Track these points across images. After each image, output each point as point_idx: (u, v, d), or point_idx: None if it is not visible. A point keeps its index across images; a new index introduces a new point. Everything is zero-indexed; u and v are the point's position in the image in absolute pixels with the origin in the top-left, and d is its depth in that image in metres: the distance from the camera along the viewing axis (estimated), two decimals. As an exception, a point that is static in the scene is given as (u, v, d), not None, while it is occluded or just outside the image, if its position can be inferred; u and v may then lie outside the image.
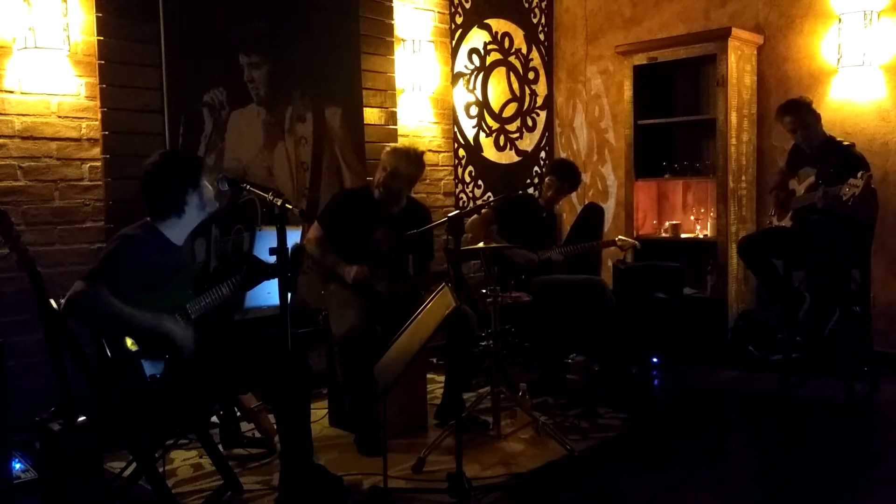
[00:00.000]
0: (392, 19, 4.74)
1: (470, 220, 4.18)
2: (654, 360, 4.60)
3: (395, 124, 4.79)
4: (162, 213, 2.60)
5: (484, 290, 3.23)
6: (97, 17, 3.49)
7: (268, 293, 2.57)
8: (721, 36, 4.69)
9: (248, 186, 2.54)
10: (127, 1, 3.58)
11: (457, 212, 3.33)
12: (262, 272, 2.54)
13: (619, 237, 4.64)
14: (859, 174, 3.66)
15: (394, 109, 4.78)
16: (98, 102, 3.52)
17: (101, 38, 3.50)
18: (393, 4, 4.75)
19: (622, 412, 3.85)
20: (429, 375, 4.15)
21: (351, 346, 3.27)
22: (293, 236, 2.59)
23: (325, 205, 3.95)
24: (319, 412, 3.70)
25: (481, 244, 3.42)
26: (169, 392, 2.42)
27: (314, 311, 3.84)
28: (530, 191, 5.70)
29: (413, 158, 3.62)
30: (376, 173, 3.71)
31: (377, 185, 3.64)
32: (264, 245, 2.26)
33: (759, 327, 4.74)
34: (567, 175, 4.40)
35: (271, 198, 2.36)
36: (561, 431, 3.43)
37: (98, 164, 3.54)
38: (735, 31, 4.68)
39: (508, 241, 4.06)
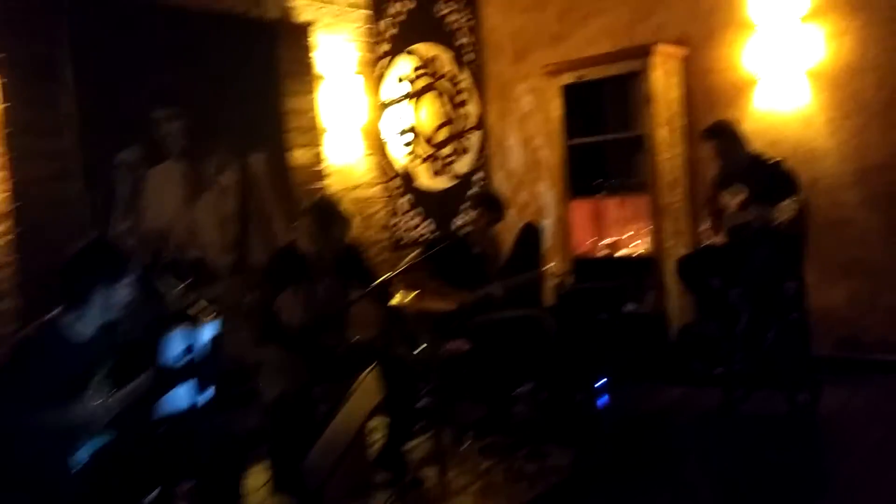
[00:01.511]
0: (311, 56, 4.62)
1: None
2: (601, 383, 4.61)
3: (322, 164, 4.68)
4: (68, 301, 2.47)
5: (415, 352, 3.14)
6: (2, 83, 3.32)
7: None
8: (645, 52, 4.68)
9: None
10: (32, 64, 3.41)
11: (383, 277, 3.26)
12: (169, 382, 2.42)
13: (548, 267, 4.58)
14: (793, 198, 3.70)
15: (319, 149, 4.67)
16: (6, 173, 3.35)
17: (7, 104, 3.33)
18: (312, 41, 4.63)
19: (570, 446, 3.81)
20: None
21: (282, 412, 3.17)
22: (210, 329, 2.47)
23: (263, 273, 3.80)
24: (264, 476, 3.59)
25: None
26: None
27: (250, 367, 3.72)
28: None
29: (327, 220, 3.54)
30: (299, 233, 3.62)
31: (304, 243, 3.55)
32: (176, 344, 2.14)
33: (701, 340, 4.75)
34: (495, 205, 4.37)
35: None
36: (510, 478, 3.38)
37: (10, 237, 3.36)
38: (659, 47, 4.67)
39: (448, 282, 3.97)
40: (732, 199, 4.21)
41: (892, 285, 4.40)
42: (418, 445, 3.67)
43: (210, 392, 2.40)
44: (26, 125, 3.39)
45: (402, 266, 3.77)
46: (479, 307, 4.12)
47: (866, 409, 4.04)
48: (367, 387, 2.24)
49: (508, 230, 5.86)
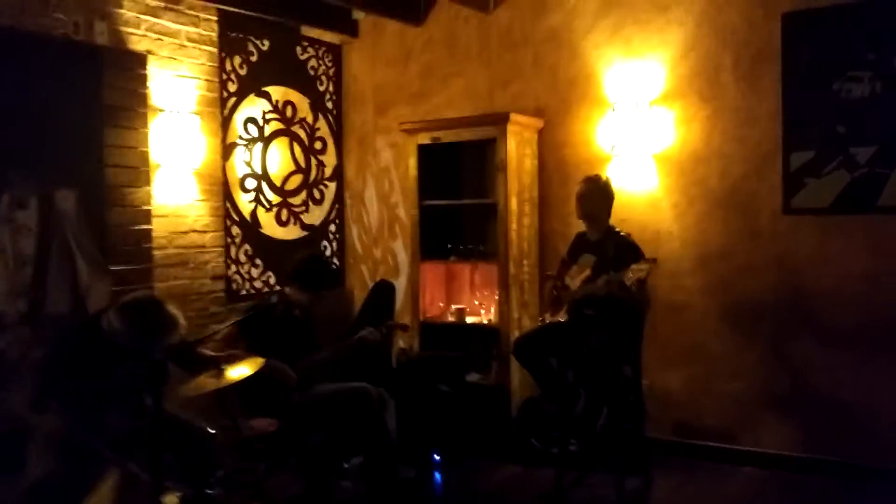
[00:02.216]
0: (146, 88, 4.24)
1: (211, 345, 3.65)
2: (436, 457, 4.38)
3: (150, 205, 4.28)
4: None
5: (212, 431, 2.79)
6: None
7: None
8: (500, 120, 4.58)
9: None
10: None
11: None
12: None
13: (384, 322, 4.29)
14: (642, 261, 3.70)
15: (148, 188, 4.27)
16: None
17: None
18: (147, 72, 4.26)
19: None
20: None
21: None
22: None
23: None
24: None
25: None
26: None
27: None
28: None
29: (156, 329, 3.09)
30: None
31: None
32: None
33: (541, 416, 4.62)
34: (312, 279, 3.88)
35: None
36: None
37: None
38: (513, 116, 4.58)
39: (263, 355, 3.61)
40: (580, 272, 4.13)
41: (727, 372, 4.41)
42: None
43: None
44: None
45: (218, 333, 3.43)
46: (305, 382, 3.78)
47: (695, 498, 3.99)
48: (101, 495, 1.90)
49: (362, 287, 5.65)
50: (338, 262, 5.73)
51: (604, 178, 4.20)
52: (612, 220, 4.20)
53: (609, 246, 4.01)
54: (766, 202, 4.26)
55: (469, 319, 5.01)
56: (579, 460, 4.18)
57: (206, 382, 2.89)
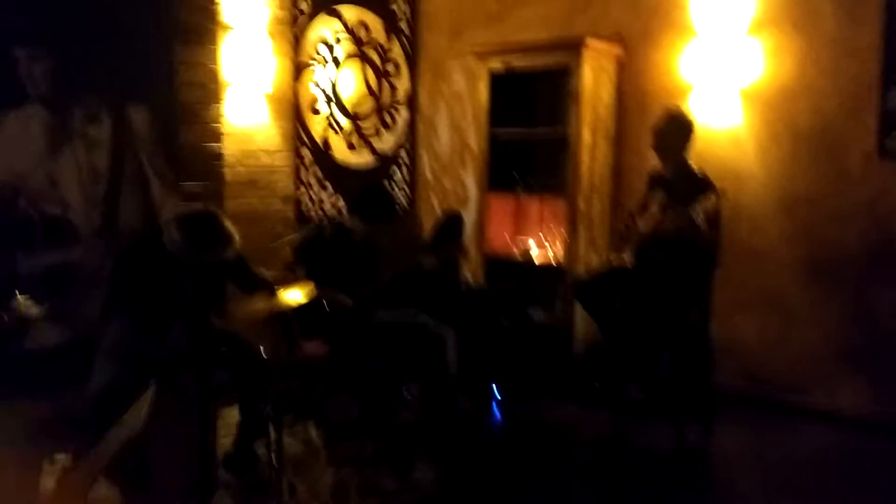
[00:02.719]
0: (217, 4, 4.21)
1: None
2: (495, 391, 4.37)
3: (219, 123, 4.30)
4: None
5: (262, 350, 2.83)
6: None
7: None
8: (574, 46, 4.33)
9: None
10: None
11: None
12: None
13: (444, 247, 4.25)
14: (709, 195, 3.55)
15: (218, 107, 4.28)
16: None
17: None
18: (219, -12, 4.23)
19: (440, 462, 3.56)
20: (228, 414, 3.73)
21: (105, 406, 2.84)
22: None
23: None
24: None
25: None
26: None
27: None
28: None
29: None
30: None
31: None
32: None
33: (605, 360, 4.52)
34: (368, 212, 3.85)
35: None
36: (360, 493, 3.11)
37: None
38: (590, 42, 4.33)
39: (320, 283, 3.62)
40: (650, 210, 3.96)
41: (804, 323, 4.19)
42: (281, 445, 3.38)
43: None
44: None
45: (275, 245, 3.45)
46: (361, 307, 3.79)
47: (760, 452, 3.86)
48: (136, 415, 1.94)
49: (431, 215, 5.61)
50: (406, 191, 5.68)
51: (682, 112, 3.96)
52: (692, 158, 3.98)
53: (682, 183, 3.81)
54: (859, 143, 3.95)
55: (535, 256, 4.90)
56: (640, 405, 4.09)
57: (259, 303, 2.91)
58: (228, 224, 2.92)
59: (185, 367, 2.78)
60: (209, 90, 4.24)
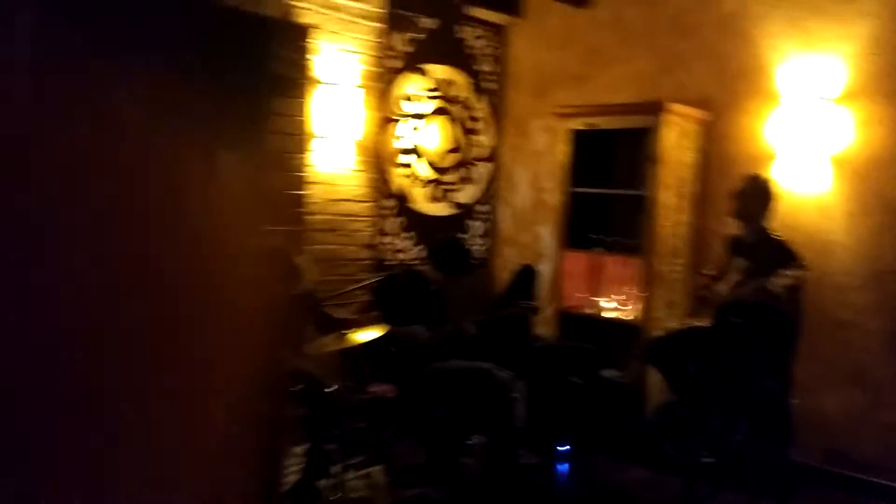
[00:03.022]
0: (309, 59, 4.42)
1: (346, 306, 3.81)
2: (561, 448, 4.31)
3: (306, 170, 4.48)
4: None
5: (327, 389, 2.90)
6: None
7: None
8: (658, 109, 4.37)
9: None
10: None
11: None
12: None
13: (520, 302, 4.30)
14: (791, 265, 3.50)
15: (304, 155, 4.47)
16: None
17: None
18: (313, 44, 4.44)
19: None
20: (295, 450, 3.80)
21: None
22: None
23: None
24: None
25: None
26: None
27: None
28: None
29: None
30: None
31: None
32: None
33: (677, 424, 4.41)
34: (446, 263, 4.00)
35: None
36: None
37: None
38: (671, 106, 4.36)
39: (394, 324, 3.71)
40: (731, 275, 3.90)
41: (892, 401, 3.99)
42: (349, 483, 3.42)
43: None
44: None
45: (348, 290, 3.55)
46: (440, 348, 3.85)
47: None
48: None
49: (507, 269, 5.65)
50: (484, 244, 5.75)
51: (764, 177, 3.91)
52: (775, 225, 3.91)
53: (763, 249, 3.74)
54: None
55: (610, 314, 4.86)
56: (712, 474, 3.96)
57: (331, 341, 3.00)
58: (301, 260, 3.05)
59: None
60: (297, 140, 4.44)
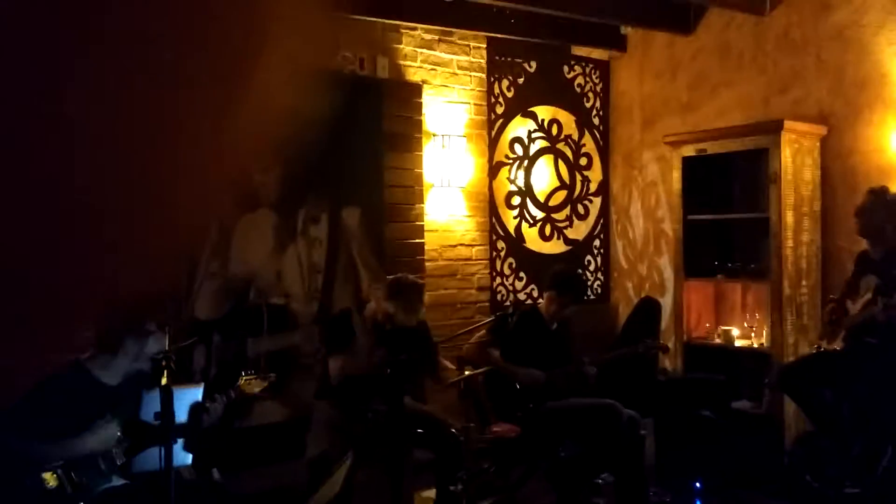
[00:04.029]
0: (421, 115, 4.64)
1: (466, 346, 3.88)
2: (696, 485, 4.18)
3: (422, 220, 4.66)
4: (98, 347, 2.56)
5: (453, 430, 2.97)
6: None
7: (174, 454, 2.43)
8: (772, 129, 4.25)
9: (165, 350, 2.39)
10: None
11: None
12: (146, 438, 2.43)
13: (645, 340, 4.24)
14: None
15: (421, 206, 4.65)
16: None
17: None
18: (423, 100, 4.65)
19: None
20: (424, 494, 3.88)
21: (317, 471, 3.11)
22: (193, 395, 2.47)
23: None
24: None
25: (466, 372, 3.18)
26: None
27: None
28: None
29: (411, 305, 3.47)
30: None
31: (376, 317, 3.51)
32: (152, 406, 2.13)
33: (819, 454, 4.18)
34: (566, 289, 4.01)
35: (164, 354, 2.22)
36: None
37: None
38: (789, 124, 4.23)
39: (514, 363, 3.76)
40: (856, 301, 3.72)
41: None
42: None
43: (186, 458, 2.39)
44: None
45: (464, 331, 3.63)
46: (552, 388, 3.86)
47: None
48: (335, 478, 2.13)
49: (626, 303, 5.59)
50: (600, 279, 5.72)
51: (889, 191, 3.72)
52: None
53: (892, 265, 3.54)
54: None
55: (738, 343, 4.70)
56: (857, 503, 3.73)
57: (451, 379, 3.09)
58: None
59: (382, 442, 2.99)
60: (413, 191, 4.63)
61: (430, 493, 3.57)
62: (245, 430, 3.63)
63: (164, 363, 2.17)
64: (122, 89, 1.28)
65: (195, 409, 2.46)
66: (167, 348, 2.28)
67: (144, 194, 1.41)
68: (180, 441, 2.34)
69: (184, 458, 2.40)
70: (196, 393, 2.46)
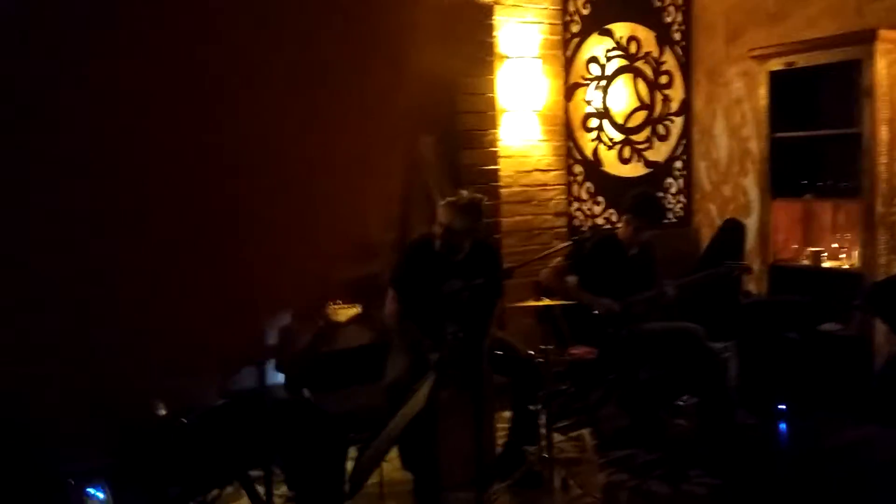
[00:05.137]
0: (493, 37, 4.55)
1: (542, 272, 3.88)
2: (781, 407, 4.14)
3: (496, 146, 4.63)
4: None
5: (532, 352, 3.02)
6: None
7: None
8: (866, 39, 4.01)
9: None
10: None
11: (508, 266, 3.15)
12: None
13: (727, 262, 4.17)
14: None
15: (494, 131, 4.61)
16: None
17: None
18: (495, 21, 4.55)
19: (717, 475, 3.48)
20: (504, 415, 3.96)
21: (395, 394, 3.22)
22: (281, 318, 2.56)
23: (393, 266, 3.81)
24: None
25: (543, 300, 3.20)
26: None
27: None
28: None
29: (467, 211, 3.44)
30: (434, 227, 3.59)
31: (437, 239, 3.51)
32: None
33: (909, 376, 4.07)
34: (645, 211, 3.91)
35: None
36: (635, 497, 3.17)
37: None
38: (884, 33, 3.98)
39: (592, 290, 3.75)
40: None
41: None
42: (558, 445, 3.55)
43: (278, 377, 2.50)
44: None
45: (540, 256, 3.63)
46: (629, 315, 3.84)
47: None
48: (419, 396, 2.20)
49: (710, 225, 5.47)
50: (683, 201, 5.59)
51: None
52: None
53: None
54: None
55: (826, 264, 4.55)
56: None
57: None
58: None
59: (462, 365, 3.07)
60: (487, 117, 4.58)
61: (508, 415, 3.65)
62: (332, 354, 3.77)
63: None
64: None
65: (283, 331, 2.58)
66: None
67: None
68: (272, 362, 2.46)
69: (275, 377, 2.53)
70: (284, 317, 2.57)
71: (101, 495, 2.92)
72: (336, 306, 2.93)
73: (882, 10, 4.29)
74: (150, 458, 2.49)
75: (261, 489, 2.78)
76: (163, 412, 2.49)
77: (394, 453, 3.30)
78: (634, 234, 3.90)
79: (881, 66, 4.02)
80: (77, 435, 2.09)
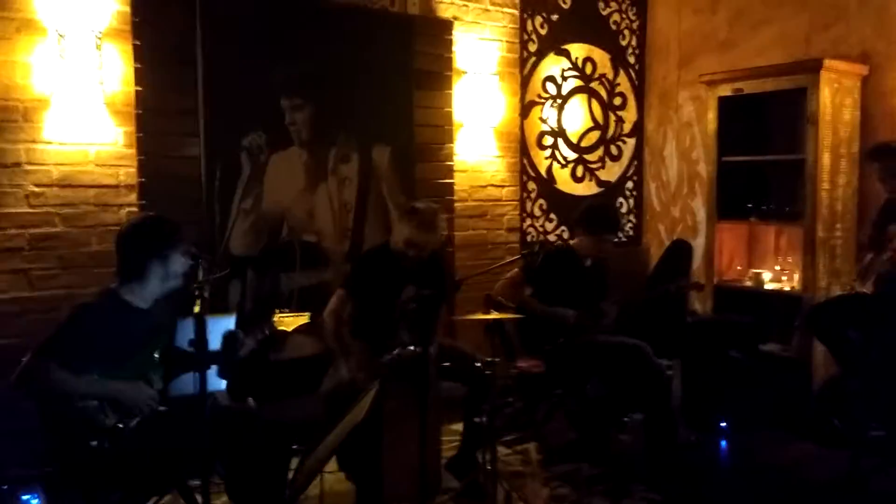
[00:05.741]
0: (451, 53, 4.59)
1: (497, 284, 3.90)
2: (722, 424, 4.23)
3: (452, 160, 4.66)
4: (124, 276, 2.62)
5: (478, 364, 3.03)
6: (136, 68, 3.61)
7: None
8: (812, 68, 4.15)
9: (201, 262, 2.45)
10: (166, 50, 3.68)
11: (458, 278, 3.16)
12: (181, 364, 2.50)
13: (673, 284, 4.25)
14: None
15: (450, 145, 4.64)
16: (135, 151, 3.66)
17: (139, 88, 3.63)
18: (453, 37, 4.60)
19: (658, 491, 3.53)
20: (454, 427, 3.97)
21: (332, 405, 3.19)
22: (226, 323, 2.54)
23: (350, 272, 3.80)
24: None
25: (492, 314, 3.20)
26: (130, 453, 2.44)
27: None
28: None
29: (429, 224, 3.45)
30: (392, 236, 3.59)
31: (398, 250, 3.51)
32: (187, 332, 2.20)
33: (845, 396, 4.19)
34: (596, 224, 3.98)
35: (198, 284, 2.28)
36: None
37: (135, 209, 3.67)
38: (829, 63, 4.12)
39: (547, 302, 3.79)
40: (891, 240, 3.67)
41: None
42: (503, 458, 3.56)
43: (220, 384, 2.47)
44: (157, 107, 3.66)
45: (486, 270, 3.65)
46: (582, 327, 3.89)
47: None
48: (361, 405, 2.19)
49: (658, 245, 5.57)
50: (632, 220, 5.69)
51: (890, 148, 3.64)
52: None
53: None
54: None
55: (769, 286, 4.68)
56: (881, 447, 3.74)
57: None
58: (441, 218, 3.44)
59: (409, 376, 3.06)
60: (443, 130, 4.61)
61: (460, 427, 3.65)
62: (278, 362, 3.73)
63: (197, 293, 2.23)
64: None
65: (228, 337, 2.54)
66: (200, 279, 2.33)
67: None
68: (214, 368, 2.42)
69: (218, 383, 2.49)
70: (228, 322, 2.53)
71: (35, 502, 2.84)
72: (283, 314, 2.90)
73: (828, 41, 4.46)
74: (86, 465, 2.43)
75: (199, 498, 2.73)
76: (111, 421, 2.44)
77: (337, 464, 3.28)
78: (594, 244, 3.93)
79: (826, 94, 4.16)
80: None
